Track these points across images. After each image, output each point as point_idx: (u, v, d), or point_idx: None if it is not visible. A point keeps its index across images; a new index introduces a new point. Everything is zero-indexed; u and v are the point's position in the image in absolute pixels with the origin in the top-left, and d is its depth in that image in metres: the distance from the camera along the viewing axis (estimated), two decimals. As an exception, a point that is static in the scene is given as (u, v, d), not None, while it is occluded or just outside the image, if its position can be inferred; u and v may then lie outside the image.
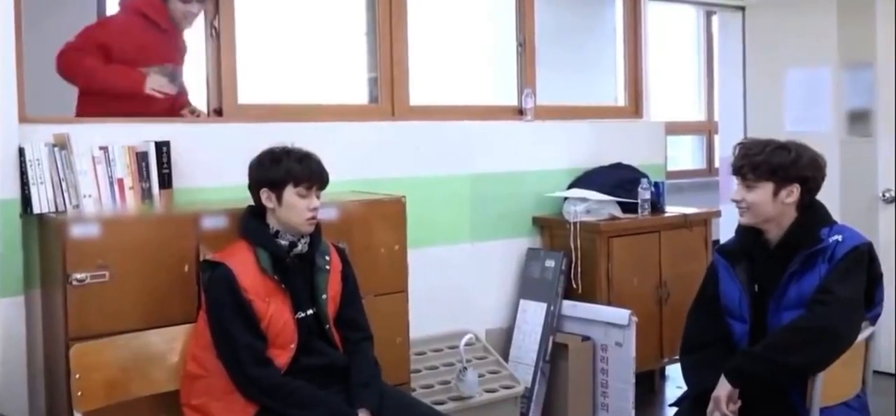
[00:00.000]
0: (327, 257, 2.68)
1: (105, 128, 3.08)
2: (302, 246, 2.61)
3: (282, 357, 2.51)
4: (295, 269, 2.59)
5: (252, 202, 2.65)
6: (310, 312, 2.61)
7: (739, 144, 2.59)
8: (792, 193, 2.46)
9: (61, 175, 2.82)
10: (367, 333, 2.74)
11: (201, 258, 2.67)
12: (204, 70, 3.42)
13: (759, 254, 2.53)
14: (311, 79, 4.02)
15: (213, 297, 2.50)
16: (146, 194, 2.99)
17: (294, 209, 2.57)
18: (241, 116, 3.42)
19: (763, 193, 2.46)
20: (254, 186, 2.62)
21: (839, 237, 2.43)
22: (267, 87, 3.74)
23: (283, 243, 2.58)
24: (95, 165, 2.89)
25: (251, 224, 2.61)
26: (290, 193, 2.56)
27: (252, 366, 2.45)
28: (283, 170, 2.56)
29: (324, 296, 2.63)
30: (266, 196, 2.57)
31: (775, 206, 2.46)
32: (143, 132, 3.05)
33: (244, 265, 2.50)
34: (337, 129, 3.53)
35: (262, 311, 2.49)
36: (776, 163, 2.45)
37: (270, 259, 2.54)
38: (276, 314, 2.51)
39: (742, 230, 2.59)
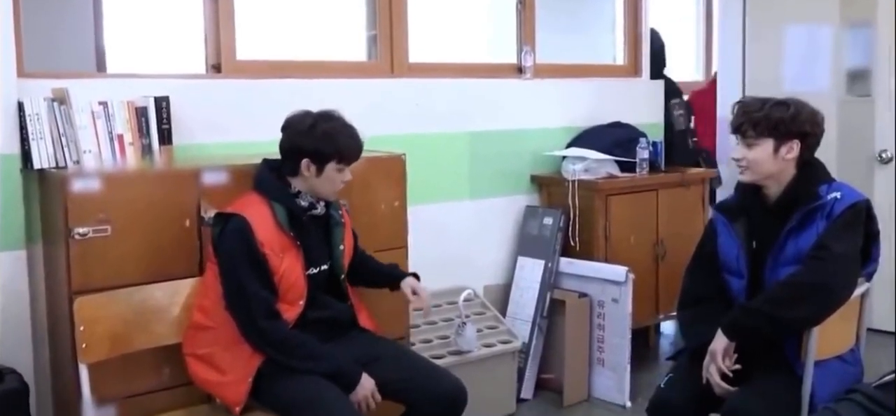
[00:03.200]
0: (341, 212, 2.71)
1: (104, 83, 3.07)
2: (320, 208, 2.61)
3: (290, 312, 2.53)
4: (310, 225, 2.60)
5: (262, 157, 2.63)
6: (323, 267, 2.63)
7: (738, 102, 2.59)
8: (792, 149, 2.47)
9: (61, 130, 2.80)
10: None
11: (205, 213, 2.67)
12: (202, 26, 3.40)
13: (758, 211, 2.55)
14: (311, 36, 3.99)
15: (227, 247, 2.48)
16: (146, 150, 2.98)
17: (330, 182, 2.57)
18: (240, 72, 3.40)
19: (763, 150, 2.47)
20: (294, 152, 2.55)
21: (838, 194, 2.44)
22: (266, 43, 3.71)
23: (303, 203, 2.58)
24: (95, 120, 2.87)
25: (269, 179, 2.59)
26: (331, 168, 2.55)
27: (263, 318, 2.45)
28: (333, 147, 2.53)
29: (341, 247, 2.66)
30: (306, 165, 2.53)
31: (776, 162, 2.47)
32: (142, 87, 3.03)
33: (261, 218, 2.49)
34: (336, 86, 3.52)
35: (275, 265, 2.49)
36: (776, 118, 2.46)
37: (287, 215, 2.53)
38: (289, 270, 2.51)
39: (741, 187, 2.60)
